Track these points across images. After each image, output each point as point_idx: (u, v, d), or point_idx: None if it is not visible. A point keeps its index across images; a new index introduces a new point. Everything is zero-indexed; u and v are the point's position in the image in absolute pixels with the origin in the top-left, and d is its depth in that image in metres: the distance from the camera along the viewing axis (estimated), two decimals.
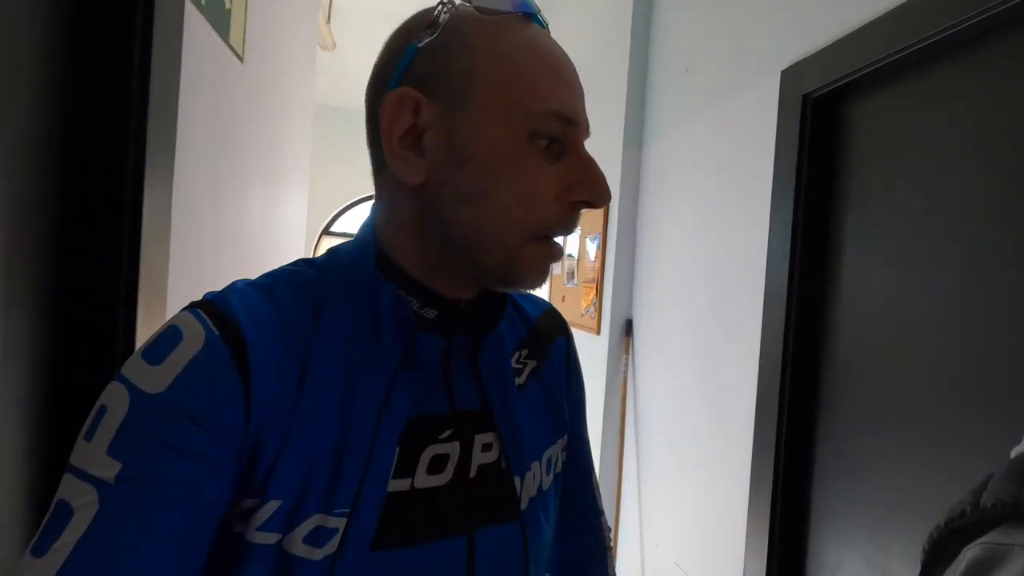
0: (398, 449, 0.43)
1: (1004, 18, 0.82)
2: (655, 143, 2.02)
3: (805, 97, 1.20)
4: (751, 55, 1.44)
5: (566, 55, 0.46)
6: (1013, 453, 0.47)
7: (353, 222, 5.27)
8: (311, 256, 0.50)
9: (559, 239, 0.45)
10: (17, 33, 0.59)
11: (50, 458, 0.67)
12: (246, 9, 1.03)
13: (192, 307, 0.40)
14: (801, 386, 1.22)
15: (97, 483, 0.34)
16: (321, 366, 0.41)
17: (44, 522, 0.34)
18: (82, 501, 0.33)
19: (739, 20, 1.52)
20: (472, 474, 0.47)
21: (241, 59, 1.04)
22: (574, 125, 0.43)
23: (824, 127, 1.19)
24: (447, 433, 0.46)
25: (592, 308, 2.32)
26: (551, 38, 0.46)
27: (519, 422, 0.51)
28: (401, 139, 0.43)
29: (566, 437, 0.58)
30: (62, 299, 0.67)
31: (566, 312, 2.73)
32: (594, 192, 0.43)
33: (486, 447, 0.48)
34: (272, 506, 0.38)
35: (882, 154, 1.07)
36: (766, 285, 1.29)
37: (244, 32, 1.04)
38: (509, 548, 0.48)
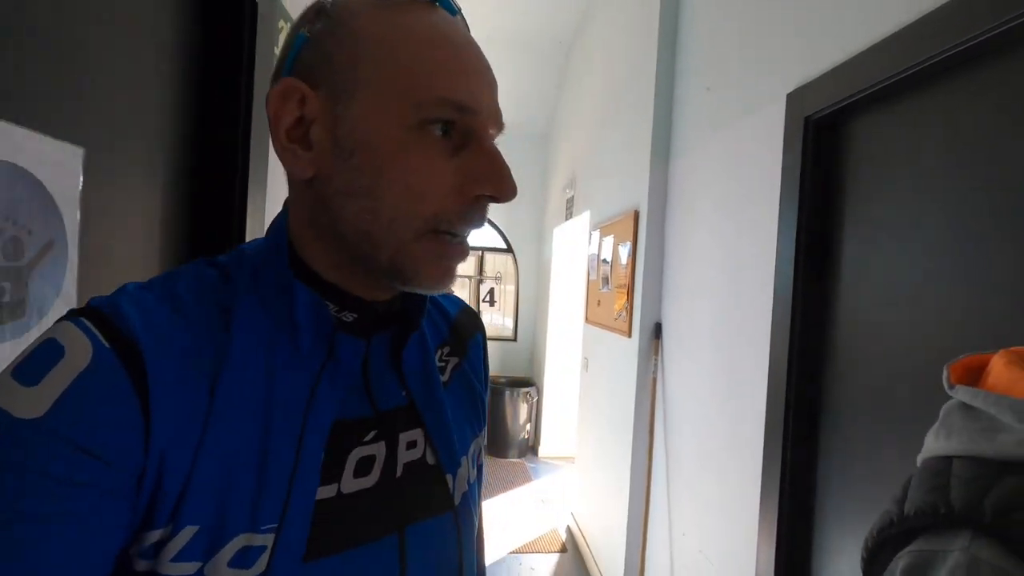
0: (323, 455, 0.41)
1: (982, 49, 0.92)
2: (680, 157, 2.14)
3: (807, 119, 1.31)
4: (762, 79, 1.55)
5: (471, 41, 0.43)
6: (919, 460, 0.51)
7: None
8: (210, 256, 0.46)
9: (464, 234, 0.43)
10: (181, 94, 0.81)
11: None
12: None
13: (73, 316, 0.36)
14: (805, 382, 1.32)
15: None
16: (234, 377, 0.38)
17: None
18: None
19: (751, 46, 1.63)
20: (399, 473, 0.46)
21: None
22: (471, 113, 0.40)
23: (823, 146, 1.30)
24: (372, 434, 0.45)
25: (624, 312, 2.45)
26: (457, 24, 0.43)
27: (446, 420, 0.50)
28: (288, 132, 0.41)
29: (485, 429, 0.59)
30: None
31: (600, 316, 2.87)
32: (496, 185, 0.41)
33: (411, 444, 0.47)
34: (188, 533, 0.35)
35: (875, 169, 1.18)
36: (774, 288, 1.41)
37: None
38: (444, 541, 0.48)
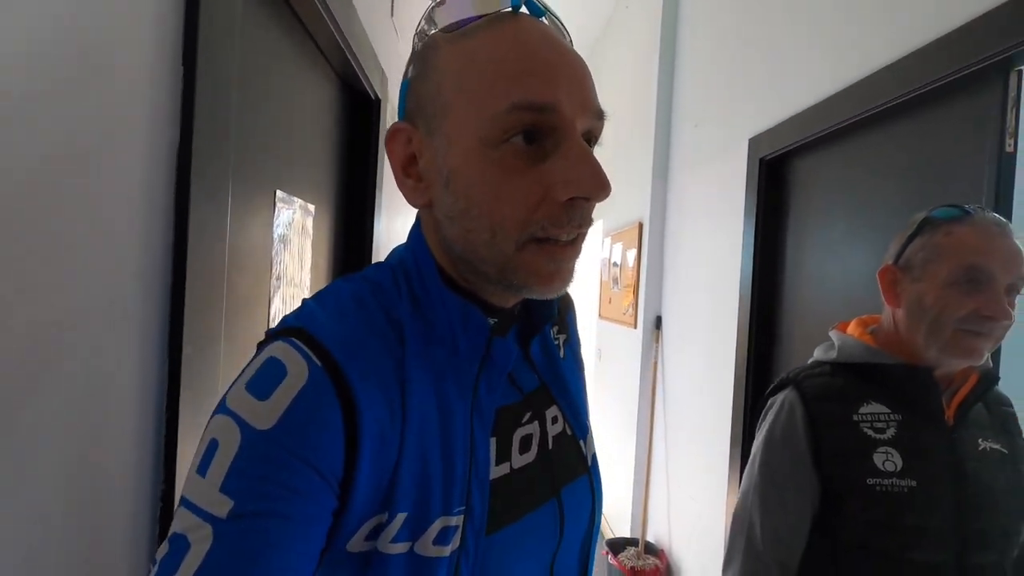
0: (494, 440, 0.46)
1: (883, 114, 1.37)
2: (676, 178, 2.59)
3: (761, 159, 1.76)
4: (733, 127, 2.00)
5: (549, 37, 0.42)
6: (809, 360, 1.01)
7: None
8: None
9: (567, 237, 0.42)
10: (331, 148, 1.29)
11: None
12: None
13: (285, 336, 0.40)
14: (760, 359, 1.77)
15: (211, 519, 0.34)
16: (416, 380, 0.42)
17: (162, 554, 0.35)
18: (197, 535, 0.34)
19: (725, 99, 2.09)
20: (550, 446, 0.51)
21: None
22: (549, 110, 0.40)
23: (772, 179, 1.75)
24: (527, 415, 0.50)
25: (630, 307, 2.90)
26: (530, 23, 0.42)
27: (573, 395, 0.56)
28: (404, 168, 0.45)
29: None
30: None
31: (612, 311, 3.32)
32: (580, 185, 0.40)
33: (553, 420, 0.53)
34: (400, 519, 0.40)
35: (808, 197, 1.62)
36: (740, 282, 1.85)
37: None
38: (585, 497, 0.53)
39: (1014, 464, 0.85)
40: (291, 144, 0.99)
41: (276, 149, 0.92)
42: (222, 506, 0.34)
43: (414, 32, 0.47)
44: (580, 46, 4.47)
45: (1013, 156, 1.01)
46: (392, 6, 1.55)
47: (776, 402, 0.93)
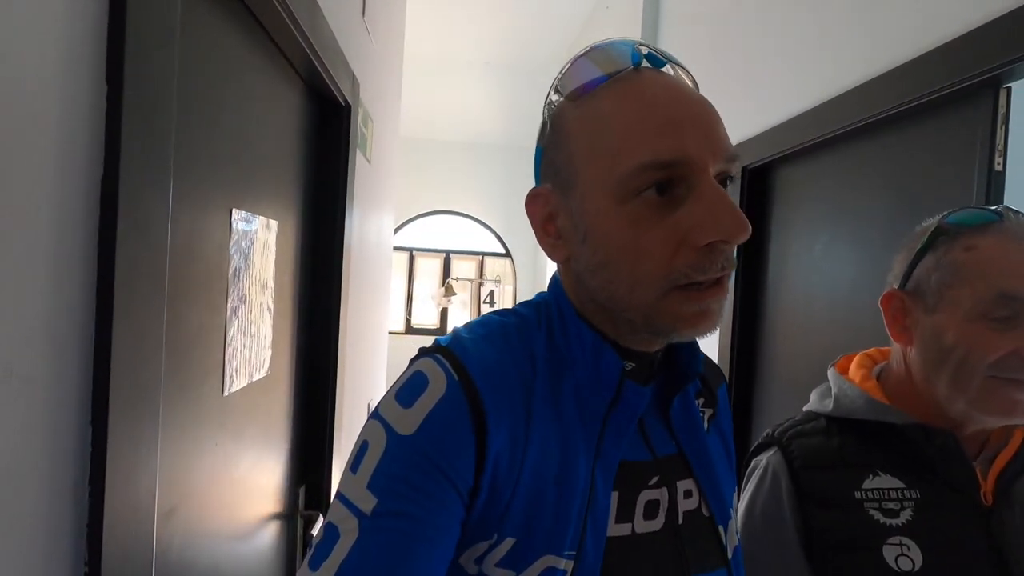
0: (616, 494, 0.44)
1: (859, 129, 1.34)
2: None
3: (745, 168, 1.73)
4: None
5: (672, 88, 0.43)
6: (804, 407, 0.77)
7: (406, 238, 5.93)
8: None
9: (709, 280, 0.41)
10: (299, 181, 1.21)
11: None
12: (372, 133, 1.66)
13: (431, 353, 0.43)
14: (742, 367, 1.74)
15: (358, 513, 0.37)
16: (542, 411, 0.43)
17: (317, 540, 0.38)
18: (346, 527, 0.37)
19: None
20: (680, 520, 0.47)
21: (369, 161, 1.67)
22: (678, 164, 0.40)
23: (756, 187, 1.73)
24: (655, 479, 0.47)
25: None
26: (652, 78, 0.43)
27: (715, 471, 0.51)
28: (544, 227, 0.48)
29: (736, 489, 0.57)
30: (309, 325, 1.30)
31: None
32: (719, 228, 0.39)
33: (687, 494, 0.48)
34: (507, 543, 0.40)
35: (790, 205, 1.60)
36: None
37: (371, 145, 1.67)
38: None
39: None
40: (250, 158, 0.92)
41: (232, 165, 0.85)
42: (368, 502, 0.38)
43: (544, 102, 0.49)
44: (558, 44, 4.45)
45: (1002, 174, 0.99)
46: (364, 6, 1.48)
47: (759, 467, 0.73)
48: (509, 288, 6.15)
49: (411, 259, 6.00)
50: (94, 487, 0.46)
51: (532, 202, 0.48)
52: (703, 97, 0.44)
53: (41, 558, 0.42)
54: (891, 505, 0.63)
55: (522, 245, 6.03)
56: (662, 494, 0.47)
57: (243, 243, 0.88)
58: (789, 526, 0.66)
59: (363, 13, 1.48)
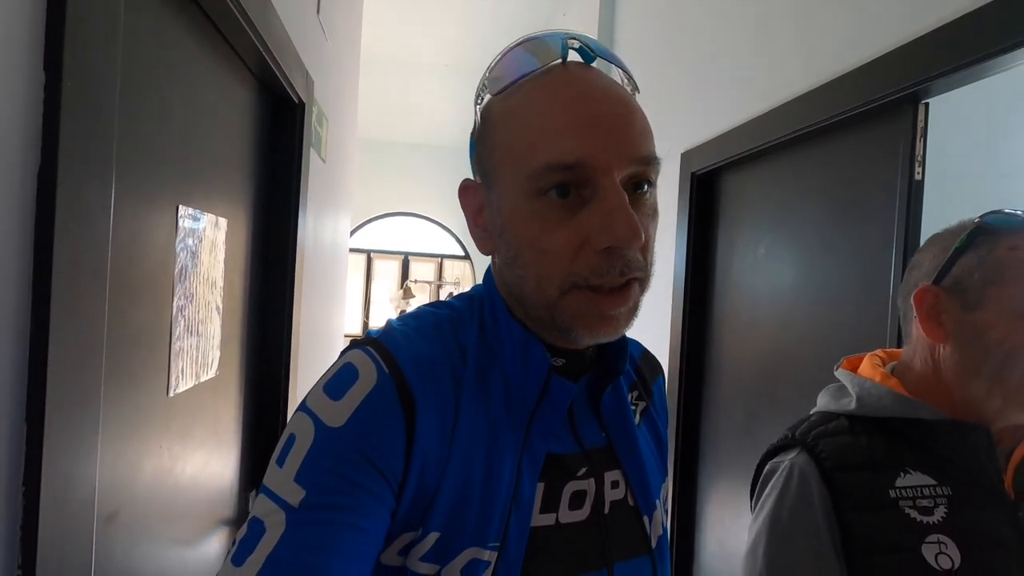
0: (542, 485, 0.45)
1: (797, 138, 1.42)
2: None
3: (692, 173, 1.80)
4: (665, 140, 2.04)
5: (589, 87, 0.43)
6: (813, 410, 0.75)
7: (362, 240, 5.84)
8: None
9: (610, 284, 0.42)
10: (253, 175, 1.19)
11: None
12: (327, 132, 1.64)
13: (362, 345, 0.43)
14: (692, 362, 1.81)
15: (285, 506, 0.37)
16: (470, 405, 0.43)
17: (241, 535, 0.38)
18: (272, 520, 0.37)
19: (660, 111, 2.12)
20: (606, 510, 0.48)
21: (324, 161, 1.65)
22: (581, 167, 0.40)
23: (703, 192, 1.80)
24: (583, 470, 0.47)
25: None
26: (572, 74, 0.43)
27: (642, 463, 0.51)
28: (474, 219, 0.49)
29: (668, 478, 0.59)
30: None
31: None
32: (610, 235, 0.40)
33: (614, 484, 0.49)
34: (432, 538, 0.40)
35: (735, 209, 1.67)
36: (673, 286, 1.89)
37: (326, 145, 1.65)
38: None
39: None
40: (199, 155, 0.90)
41: (179, 161, 0.83)
42: (295, 495, 0.37)
43: (474, 96, 0.49)
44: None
45: (921, 183, 1.07)
46: (318, 4, 1.46)
47: (781, 470, 0.69)
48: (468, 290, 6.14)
49: (369, 261, 5.92)
50: (28, 487, 0.44)
51: (463, 193, 0.49)
52: (623, 95, 0.44)
53: None
54: (925, 503, 0.62)
55: None
56: (589, 485, 0.47)
57: (190, 240, 0.86)
58: (823, 530, 0.63)
59: (318, 11, 1.46)
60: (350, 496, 0.37)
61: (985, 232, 0.65)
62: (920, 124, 1.07)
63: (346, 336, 3.02)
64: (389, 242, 6.03)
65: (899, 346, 1.07)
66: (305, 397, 0.42)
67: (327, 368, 0.43)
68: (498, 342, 0.47)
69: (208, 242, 0.93)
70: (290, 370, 1.32)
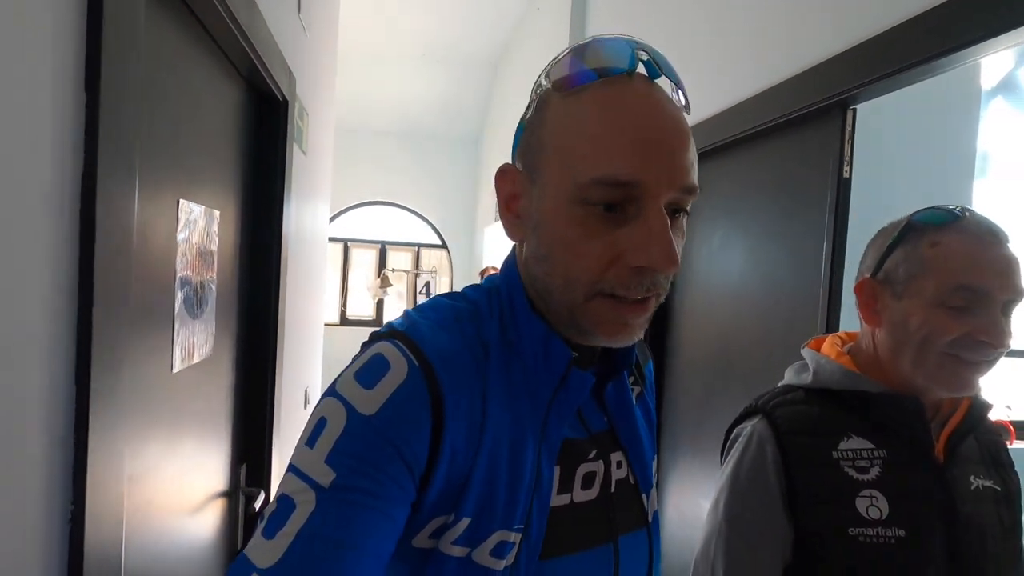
0: (558, 468, 0.47)
1: (753, 136, 1.54)
2: None
3: None
4: None
5: (653, 107, 0.43)
6: (779, 383, 0.85)
7: (339, 229, 5.86)
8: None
9: (635, 296, 0.44)
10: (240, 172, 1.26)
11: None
12: (307, 125, 1.71)
13: (389, 338, 0.45)
14: (656, 345, 1.95)
15: (315, 485, 0.39)
16: (495, 398, 0.45)
17: (270, 511, 0.40)
18: (302, 498, 0.39)
19: None
20: (613, 489, 0.52)
21: (305, 153, 1.72)
22: (634, 187, 0.41)
23: None
24: (593, 453, 0.51)
25: None
26: (639, 90, 0.44)
27: (641, 443, 0.55)
28: (507, 204, 0.49)
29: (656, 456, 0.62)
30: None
31: None
32: (645, 256, 0.42)
33: (618, 465, 0.53)
34: (464, 523, 0.43)
35: (697, 204, 1.80)
36: None
37: (307, 138, 1.72)
38: (642, 553, 0.53)
39: (1008, 503, 0.76)
40: (195, 151, 0.98)
41: (179, 157, 0.91)
42: (326, 476, 0.39)
43: (535, 83, 0.49)
44: (491, 40, 4.55)
45: (849, 180, 1.21)
46: (299, 3, 1.53)
47: (743, 434, 0.80)
48: (445, 279, 6.22)
49: (346, 250, 5.95)
50: (78, 436, 0.53)
51: (501, 177, 0.50)
52: (681, 121, 0.45)
53: (38, 495, 0.50)
54: (862, 463, 0.72)
55: (458, 237, 6.11)
56: (599, 466, 0.51)
57: (189, 230, 0.94)
58: (773, 485, 0.74)
59: (299, 11, 1.53)
60: (377, 482, 0.39)
61: (912, 229, 0.74)
62: (848, 128, 1.20)
63: (325, 325, 3.09)
64: (366, 231, 6.06)
65: (829, 324, 1.21)
66: (334, 384, 0.44)
67: (354, 358, 0.45)
68: (518, 337, 0.48)
69: (204, 232, 1.01)
70: (276, 352, 1.41)
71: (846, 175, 1.20)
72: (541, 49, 3.43)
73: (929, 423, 0.73)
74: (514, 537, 0.44)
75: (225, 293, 1.18)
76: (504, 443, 0.45)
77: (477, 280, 5.08)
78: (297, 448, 0.42)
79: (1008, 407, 2.63)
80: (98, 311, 0.55)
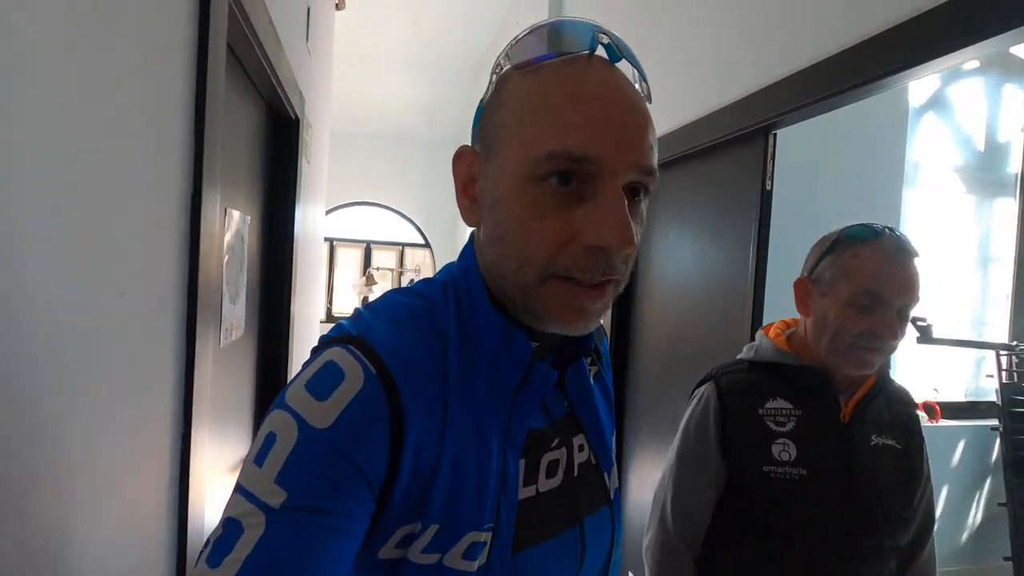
0: (523, 461, 0.47)
1: (703, 151, 1.80)
2: None
3: None
4: None
5: (612, 88, 0.43)
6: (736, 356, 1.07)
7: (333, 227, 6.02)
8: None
9: (592, 280, 0.42)
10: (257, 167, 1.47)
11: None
12: (311, 138, 1.93)
13: (342, 343, 0.43)
14: (621, 329, 2.20)
15: (264, 507, 0.36)
16: (457, 398, 0.44)
17: (216, 536, 0.37)
18: (251, 521, 0.36)
19: None
20: (576, 473, 0.52)
21: (308, 163, 1.93)
22: (588, 162, 0.40)
23: None
24: (556, 441, 0.51)
25: None
26: (598, 71, 0.43)
27: (600, 424, 0.56)
28: (464, 188, 0.49)
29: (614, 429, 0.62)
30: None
31: None
32: (604, 235, 0.40)
33: (580, 448, 0.53)
34: (432, 530, 0.41)
35: (656, 209, 2.06)
36: None
37: (310, 149, 1.94)
38: (606, 529, 0.54)
39: (908, 459, 0.93)
40: (233, 165, 1.19)
41: (225, 172, 1.13)
42: (276, 497, 0.36)
43: (493, 64, 0.48)
44: (472, 49, 4.77)
45: (771, 192, 1.47)
46: (307, 32, 1.74)
47: (697, 395, 1.02)
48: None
49: (332, 249, 6.11)
50: (187, 372, 0.76)
51: (458, 160, 0.49)
52: (641, 103, 0.44)
53: (160, 416, 0.72)
54: (781, 419, 0.91)
55: (441, 236, 6.31)
56: (562, 453, 0.51)
57: (231, 232, 1.16)
58: (713, 434, 0.95)
59: (306, 39, 1.74)
60: (332, 499, 0.37)
61: (840, 242, 0.91)
62: (770, 149, 1.46)
63: (322, 323, 3.28)
64: (351, 231, 6.23)
65: (755, 315, 1.47)
66: (282, 395, 0.41)
67: (303, 367, 0.43)
68: (478, 331, 0.47)
69: (240, 233, 1.23)
70: (289, 337, 1.62)
71: (768, 187, 1.46)
72: None
73: (836, 390, 0.92)
74: (485, 537, 0.43)
75: (251, 284, 1.39)
76: (468, 443, 0.43)
77: None
78: (244, 466, 0.39)
79: (935, 390, 2.95)
80: (201, 292, 0.77)
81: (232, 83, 1.15)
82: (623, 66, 0.46)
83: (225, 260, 1.12)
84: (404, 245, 6.36)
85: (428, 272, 6.41)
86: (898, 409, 0.96)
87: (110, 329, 0.58)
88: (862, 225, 0.90)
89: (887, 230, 0.89)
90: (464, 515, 0.42)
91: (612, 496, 0.56)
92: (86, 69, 0.50)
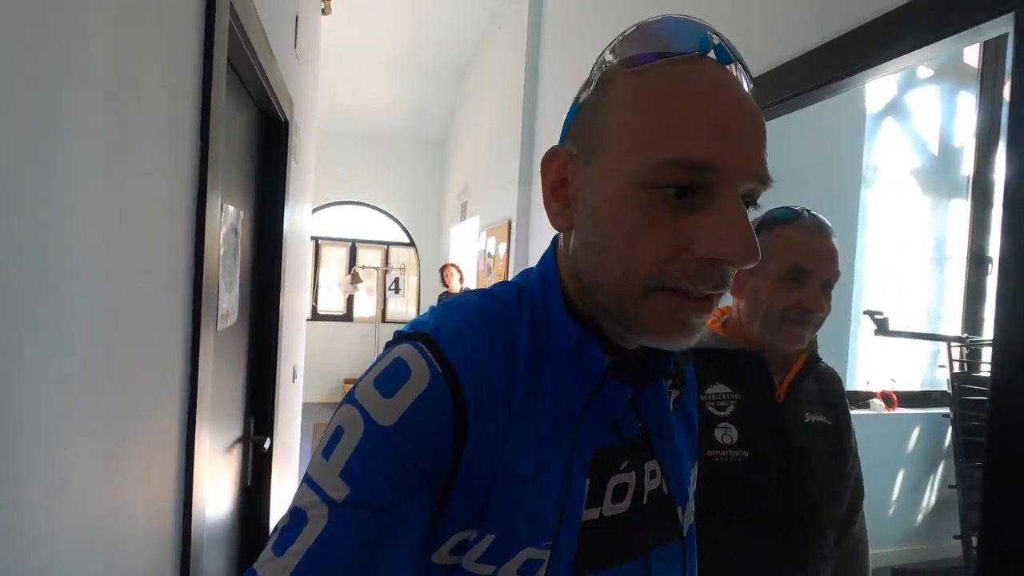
0: (587, 480, 0.45)
1: None
2: (537, 183, 3.10)
3: None
4: None
5: (731, 93, 0.40)
6: None
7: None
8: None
9: (700, 293, 0.40)
10: (248, 168, 1.57)
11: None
12: (299, 140, 2.03)
13: (411, 340, 0.43)
14: None
15: (328, 500, 0.37)
16: (522, 405, 0.43)
17: (283, 523, 0.38)
18: (315, 513, 0.37)
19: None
20: (645, 500, 0.49)
21: (296, 163, 2.03)
22: (711, 171, 0.38)
23: None
24: (625, 464, 0.48)
25: None
26: (713, 72, 0.41)
27: (678, 454, 0.53)
28: (553, 190, 0.46)
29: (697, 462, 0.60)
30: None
31: None
32: (726, 248, 0.38)
33: (652, 474, 0.50)
34: (488, 539, 0.41)
35: None
36: None
37: (298, 149, 2.04)
38: (675, 568, 0.51)
39: (836, 434, 0.95)
40: (230, 166, 1.30)
41: (223, 171, 1.23)
42: (340, 491, 0.37)
43: (595, 61, 0.46)
44: (456, 53, 4.88)
45: None
46: (295, 39, 1.84)
47: None
48: (413, 277, 6.51)
49: (317, 247, 6.17)
50: (193, 342, 0.86)
51: (549, 161, 0.47)
52: (757, 110, 0.41)
53: (174, 388, 0.82)
54: (722, 403, 0.91)
55: (426, 235, 6.41)
56: (631, 477, 0.48)
57: (226, 225, 1.26)
58: None
59: (295, 45, 1.84)
60: (392, 497, 0.38)
61: (765, 223, 0.93)
62: None
63: (309, 320, 3.36)
64: (337, 229, 6.30)
65: None
66: (354, 388, 0.42)
67: (376, 360, 0.44)
68: (551, 339, 0.46)
69: (234, 227, 1.33)
70: (279, 326, 1.72)
71: None
72: (502, 60, 3.80)
73: (770, 371, 0.94)
74: (543, 555, 0.42)
75: (243, 275, 1.49)
76: (530, 453, 0.42)
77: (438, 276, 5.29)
78: (313, 458, 0.40)
79: (893, 380, 3.12)
80: (205, 280, 0.87)
81: (228, 89, 1.25)
82: (731, 68, 0.44)
83: (221, 251, 1.22)
84: (389, 244, 6.45)
85: (413, 271, 6.50)
86: (827, 387, 1.00)
87: (134, 300, 0.69)
88: (783, 208, 0.94)
89: (806, 211, 0.93)
90: (521, 528, 0.41)
91: (685, 532, 0.52)
92: (115, 93, 0.61)
